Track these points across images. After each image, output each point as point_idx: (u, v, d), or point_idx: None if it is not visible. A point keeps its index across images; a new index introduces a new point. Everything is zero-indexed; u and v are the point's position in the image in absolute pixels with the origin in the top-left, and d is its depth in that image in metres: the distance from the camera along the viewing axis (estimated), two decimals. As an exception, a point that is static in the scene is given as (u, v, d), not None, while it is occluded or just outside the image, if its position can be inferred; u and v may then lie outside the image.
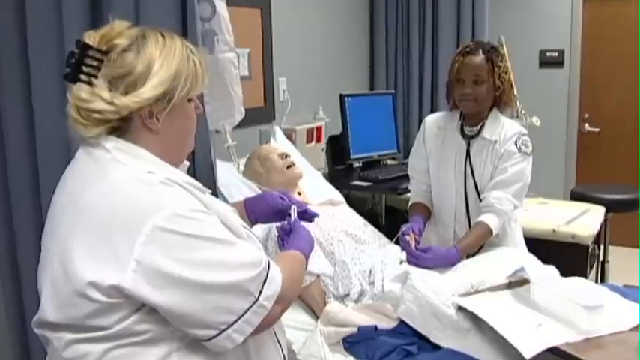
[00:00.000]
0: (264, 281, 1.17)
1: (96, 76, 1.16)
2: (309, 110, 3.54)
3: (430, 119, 2.46)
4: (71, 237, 1.11)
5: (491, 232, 2.20)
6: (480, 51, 2.23)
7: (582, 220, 3.10)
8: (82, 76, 1.15)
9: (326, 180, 2.94)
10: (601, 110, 4.88)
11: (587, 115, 4.90)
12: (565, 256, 2.82)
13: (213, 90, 1.75)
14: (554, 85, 4.85)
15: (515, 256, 2.12)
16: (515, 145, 2.25)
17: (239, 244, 1.19)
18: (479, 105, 2.25)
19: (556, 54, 4.80)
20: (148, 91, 1.16)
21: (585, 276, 2.98)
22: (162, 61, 1.18)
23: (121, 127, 1.19)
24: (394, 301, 1.86)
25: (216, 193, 1.82)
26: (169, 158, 1.23)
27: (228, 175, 2.25)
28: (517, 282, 1.89)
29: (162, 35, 1.22)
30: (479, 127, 2.29)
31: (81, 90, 1.15)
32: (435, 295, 1.78)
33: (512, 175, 2.23)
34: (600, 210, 3.31)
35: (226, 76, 1.74)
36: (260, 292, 1.16)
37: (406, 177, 2.68)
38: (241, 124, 2.51)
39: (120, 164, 1.16)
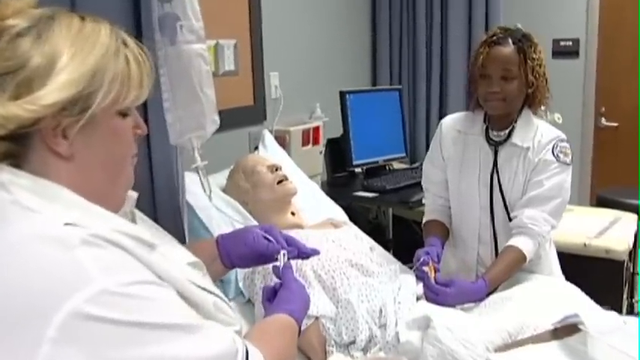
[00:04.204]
0: None
1: None
2: (304, 109, 3.19)
3: (448, 121, 2.09)
4: None
5: (525, 258, 1.85)
6: (510, 40, 1.87)
7: (615, 232, 2.77)
8: None
9: (324, 190, 2.58)
10: (619, 103, 4.54)
11: (603, 109, 4.57)
12: (598, 272, 2.55)
13: (177, 93, 1.35)
14: (568, 78, 4.51)
15: (561, 295, 1.76)
16: (553, 153, 1.90)
17: (203, 330, 0.82)
18: (508, 105, 1.90)
19: (571, 43, 4.46)
20: (50, 94, 0.79)
21: (621, 294, 2.69)
22: (73, 52, 0.81)
23: (17, 151, 0.83)
24: (412, 355, 1.50)
25: (183, 232, 1.45)
26: (98, 199, 0.86)
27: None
28: (564, 328, 1.52)
29: (83, 18, 0.84)
30: (508, 131, 1.94)
31: None
32: (464, 350, 1.42)
33: (549, 189, 1.88)
34: (632, 218, 2.98)
35: (193, 75, 1.34)
36: None
37: (417, 185, 2.32)
38: (228, 126, 2.17)
39: (24, 210, 0.79)
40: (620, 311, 2.62)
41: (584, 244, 2.62)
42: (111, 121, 0.87)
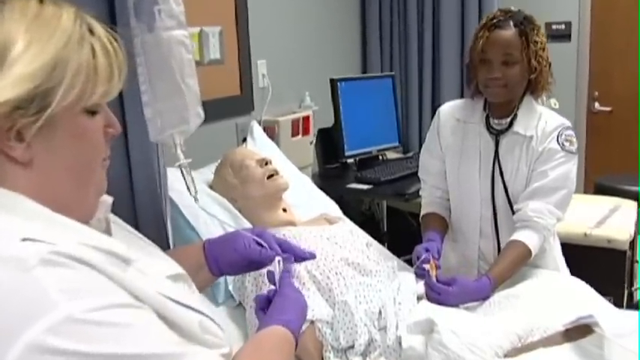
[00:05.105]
0: None
1: None
2: (293, 98, 3.07)
3: (446, 109, 1.99)
4: None
5: (530, 253, 1.77)
6: (511, 23, 1.77)
7: (615, 220, 2.70)
8: None
9: (315, 183, 2.48)
10: (613, 87, 4.47)
11: (597, 93, 4.49)
12: (599, 262, 2.49)
13: (156, 84, 1.23)
14: (560, 62, 4.38)
15: (570, 293, 1.67)
16: (558, 141, 1.81)
17: (187, 357, 0.73)
18: (510, 92, 1.81)
19: (563, 26, 4.37)
20: (1, 90, 0.68)
21: (622, 283, 2.62)
22: (28, 41, 0.70)
23: None
24: (416, 361, 1.40)
25: (167, 237, 1.33)
26: (64, 208, 0.75)
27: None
28: (576, 329, 1.43)
29: (41, 1, 0.73)
30: (509, 119, 1.85)
31: None
32: (472, 356, 1.33)
33: (554, 179, 1.79)
34: (632, 205, 2.90)
35: (174, 64, 1.22)
36: None
37: (413, 176, 2.23)
38: (214, 118, 2.07)
39: None
40: (621, 301, 2.56)
41: (585, 234, 2.54)
42: (75, 121, 0.76)
